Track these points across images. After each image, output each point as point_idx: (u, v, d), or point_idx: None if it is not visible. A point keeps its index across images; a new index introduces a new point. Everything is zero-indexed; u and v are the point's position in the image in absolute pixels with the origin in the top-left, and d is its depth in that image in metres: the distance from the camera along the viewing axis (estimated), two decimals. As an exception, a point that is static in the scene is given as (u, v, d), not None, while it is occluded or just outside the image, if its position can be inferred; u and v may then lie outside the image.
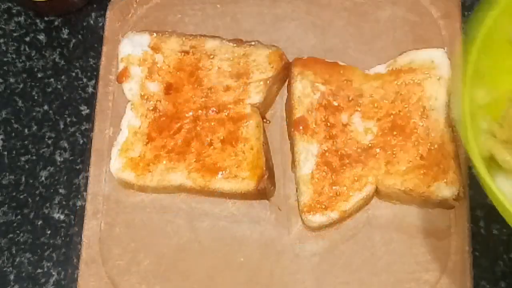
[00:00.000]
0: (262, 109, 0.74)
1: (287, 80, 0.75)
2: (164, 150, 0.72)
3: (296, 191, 0.71)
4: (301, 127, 0.72)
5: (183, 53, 0.75)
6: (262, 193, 0.71)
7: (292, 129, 0.72)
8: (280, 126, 0.75)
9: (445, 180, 0.69)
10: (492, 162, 0.59)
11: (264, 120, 0.74)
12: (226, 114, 0.73)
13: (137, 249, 0.72)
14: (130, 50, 0.75)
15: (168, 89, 0.74)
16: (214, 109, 0.73)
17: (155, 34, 0.76)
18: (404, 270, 0.70)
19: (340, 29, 0.77)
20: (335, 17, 0.78)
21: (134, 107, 0.74)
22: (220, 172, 0.71)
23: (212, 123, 0.72)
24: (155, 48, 0.75)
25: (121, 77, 0.75)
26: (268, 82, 0.73)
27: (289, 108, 0.74)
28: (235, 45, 0.75)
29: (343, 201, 0.70)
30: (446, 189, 0.69)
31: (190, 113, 0.73)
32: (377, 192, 0.71)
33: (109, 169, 0.73)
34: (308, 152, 0.71)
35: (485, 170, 0.53)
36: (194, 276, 0.71)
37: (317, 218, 0.70)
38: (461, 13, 0.76)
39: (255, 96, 0.73)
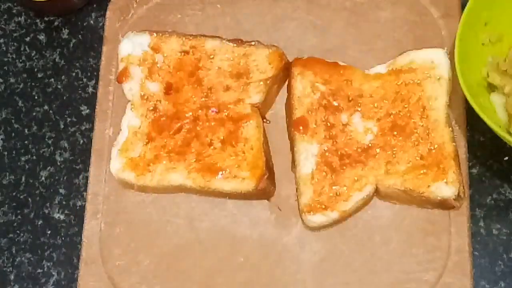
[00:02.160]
0: (262, 109, 0.74)
1: (287, 80, 0.75)
2: (164, 150, 0.72)
3: (296, 191, 0.71)
4: (301, 127, 0.72)
5: (183, 53, 0.75)
6: (262, 193, 0.71)
7: (292, 129, 0.72)
8: (280, 126, 0.75)
9: (445, 180, 0.69)
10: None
11: (264, 120, 0.74)
12: (226, 114, 0.73)
13: (137, 249, 0.72)
14: (130, 50, 0.75)
15: (168, 89, 0.74)
16: (214, 109, 0.73)
17: (155, 34, 0.75)
18: (404, 270, 0.70)
19: (340, 29, 0.77)
20: (335, 17, 0.78)
21: (134, 107, 0.74)
22: (220, 172, 0.71)
23: (212, 123, 0.72)
24: (155, 48, 0.75)
25: (121, 77, 0.75)
26: (268, 82, 0.73)
27: (289, 108, 0.74)
28: (235, 45, 0.75)
29: (343, 201, 0.70)
30: (446, 189, 0.69)
31: (190, 113, 0.73)
32: (377, 192, 0.71)
33: (109, 169, 0.73)
34: (308, 152, 0.71)
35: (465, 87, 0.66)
36: (194, 276, 0.71)
37: (317, 218, 0.70)
38: (461, 13, 0.76)
39: (255, 96, 0.73)
